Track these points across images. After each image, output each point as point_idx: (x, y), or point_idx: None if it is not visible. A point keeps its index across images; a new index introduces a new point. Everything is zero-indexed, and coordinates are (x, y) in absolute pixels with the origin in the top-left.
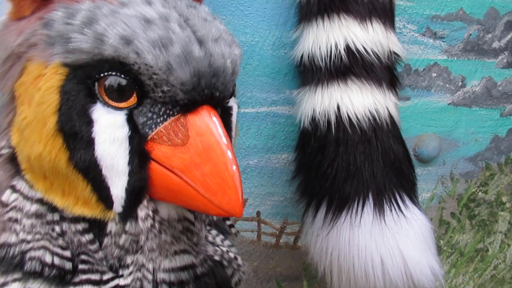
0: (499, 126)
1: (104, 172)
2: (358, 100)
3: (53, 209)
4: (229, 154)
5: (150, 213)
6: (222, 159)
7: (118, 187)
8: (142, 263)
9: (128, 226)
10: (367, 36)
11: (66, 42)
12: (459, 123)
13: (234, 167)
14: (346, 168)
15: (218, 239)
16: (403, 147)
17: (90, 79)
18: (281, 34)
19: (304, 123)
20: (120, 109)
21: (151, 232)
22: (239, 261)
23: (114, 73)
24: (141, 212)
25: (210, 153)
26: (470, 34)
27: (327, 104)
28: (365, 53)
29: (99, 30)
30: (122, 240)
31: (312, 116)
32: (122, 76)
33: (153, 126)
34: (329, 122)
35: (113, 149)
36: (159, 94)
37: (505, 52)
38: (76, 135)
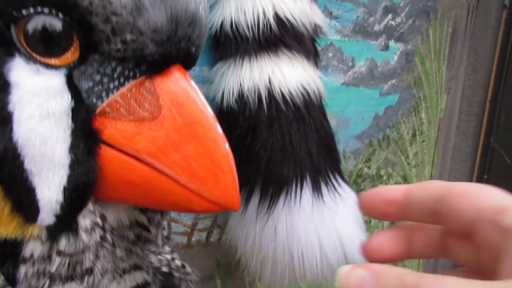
0: (378, 104)
1: (28, 165)
2: (290, 74)
3: None
4: (219, 128)
5: (98, 220)
6: (211, 135)
7: (51, 187)
8: None
9: (63, 244)
10: (295, 5)
11: None
12: (350, 102)
13: (227, 145)
14: (281, 148)
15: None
16: (328, 123)
17: (2, 18)
18: None
19: (229, 102)
20: (55, 67)
21: (102, 247)
22: (188, 269)
23: (43, 11)
24: (85, 220)
25: (194, 127)
26: (358, 16)
27: (258, 78)
28: (295, 22)
29: None
30: (54, 266)
31: (240, 93)
32: (57, 15)
33: (104, 94)
34: (260, 99)
35: (45, 128)
36: (118, 46)
37: (383, 35)
38: None
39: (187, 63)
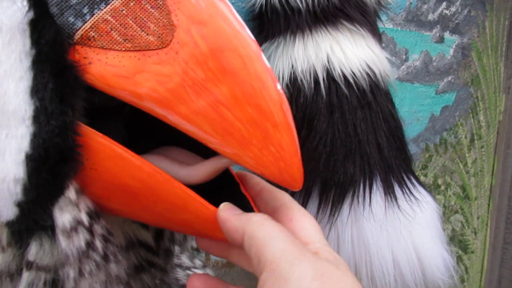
0: (434, 104)
1: None
2: (352, 51)
3: None
4: (264, 58)
5: (84, 217)
6: (254, 68)
7: (5, 156)
8: None
9: (33, 252)
10: None
11: None
12: (404, 100)
13: (278, 86)
14: (345, 142)
15: (185, 259)
16: (397, 112)
17: None
18: None
19: None
20: None
21: (88, 259)
22: None
23: None
24: (63, 215)
25: (227, 57)
26: (411, 3)
27: (313, 57)
28: None
29: None
30: (22, 285)
31: (292, 76)
32: None
33: (85, 9)
34: (316, 82)
35: None
36: None
37: (437, 26)
38: None
39: None
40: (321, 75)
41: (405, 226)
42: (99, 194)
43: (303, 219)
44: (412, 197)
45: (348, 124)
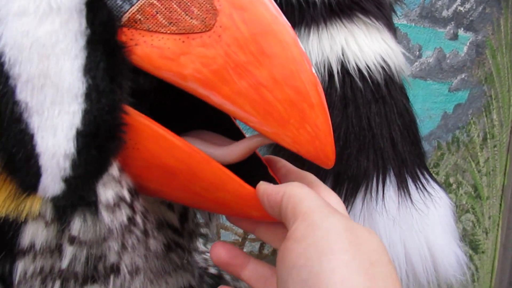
0: (447, 101)
1: (22, 93)
2: (367, 44)
3: None
4: (299, 42)
5: (126, 194)
6: (292, 52)
7: (57, 131)
8: None
9: (77, 227)
10: None
11: None
12: (417, 97)
13: (313, 69)
14: (358, 136)
15: (200, 244)
16: (411, 106)
17: None
18: None
19: None
20: None
21: (130, 234)
22: None
23: None
24: (106, 191)
25: (267, 41)
26: None
27: (328, 50)
28: None
29: None
30: (66, 260)
31: None
32: None
33: None
34: (331, 75)
35: (46, 33)
36: None
37: (452, 22)
38: None
39: None
40: (335, 68)
41: (418, 222)
42: (138, 174)
43: (329, 196)
44: (425, 193)
45: (362, 118)
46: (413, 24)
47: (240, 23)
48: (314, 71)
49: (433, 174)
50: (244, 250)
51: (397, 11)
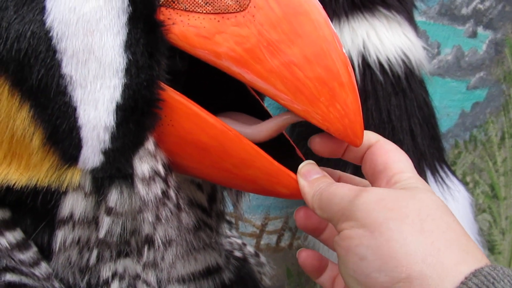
0: (465, 100)
1: (67, 67)
2: (388, 38)
3: None
4: (331, 23)
5: (160, 168)
6: (323, 32)
7: (98, 104)
8: (137, 273)
9: (114, 198)
10: None
11: None
12: (434, 95)
13: (344, 49)
14: (378, 128)
15: (224, 228)
16: (431, 100)
17: None
18: None
19: None
20: None
21: (164, 206)
22: (262, 258)
23: None
24: (142, 165)
25: (299, 20)
26: None
27: (349, 43)
28: None
29: None
30: (103, 230)
31: None
32: None
33: None
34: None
35: (91, 8)
36: None
37: (471, 20)
38: None
39: None
40: (356, 61)
41: None
42: (172, 150)
43: (398, 152)
44: (444, 186)
45: (382, 111)
46: (432, 22)
47: (273, 3)
48: (345, 51)
49: None
50: (262, 242)
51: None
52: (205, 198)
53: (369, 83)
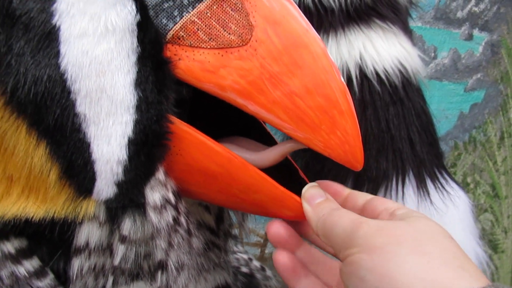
0: (463, 101)
1: (81, 106)
2: (385, 49)
3: None
4: (329, 53)
5: (171, 196)
6: (322, 62)
7: (111, 140)
8: None
9: (127, 227)
10: None
11: None
12: (432, 98)
13: (342, 78)
14: (377, 137)
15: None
16: (428, 107)
17: None
18: None
19: None
20: None
21: (175, 233)
22: (268, 272)
23: None
24: (154, 194)
25: (299, 53)
26: (440, 1)
27: (346, 55)
28: None
29: None
30: (117, 258)
31: None
32: None
33: (176, 12)
34: (349, 79)
35: (103, 51)
36: None
37: (466, 23)
38: (13, 20)
39: None
40: (353, 73)
41: (438, 221)
42: (181, 177)
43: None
44: (444, 192)
45: (381, 120)
46: (428, 26)
47: (274, 37)
48: (343, 80)
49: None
50: (266, 251)
51: (412, 14)
52: (212, 219)
53: (367, 94)
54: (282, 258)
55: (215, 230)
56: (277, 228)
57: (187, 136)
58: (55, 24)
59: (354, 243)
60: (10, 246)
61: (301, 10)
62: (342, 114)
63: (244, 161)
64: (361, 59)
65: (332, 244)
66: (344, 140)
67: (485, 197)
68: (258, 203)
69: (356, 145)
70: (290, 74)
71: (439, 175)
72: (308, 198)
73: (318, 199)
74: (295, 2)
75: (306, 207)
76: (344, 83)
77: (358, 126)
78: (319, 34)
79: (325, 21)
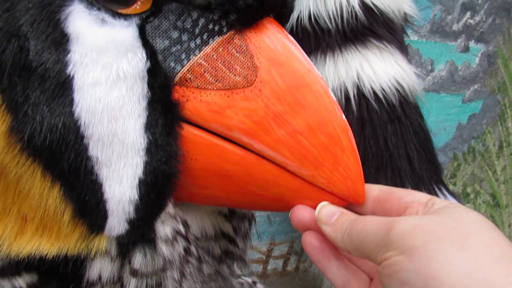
0: (461, 113)
1: (94, 150)
2: (381, 68)
3: None
4: (331, 92)
5: (181, 227)
6: (324, 102)
7: (122, 181)
8: None
9: (138, 261)
10: None
11: None
12: (430, 111)
13: (343, 116)
14: (376, 155)
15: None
16: (426, 124)
17: None
18: None
19: None
20: (124, 17)
21: (187, 263)
22: None
23: None
24: (165, 228)
25: (302, 93)
26: (435, 14)
27: (344, 75)
28: (384, 8)
29: None
30: None
31: None
32: None
33: (183, 56)
34: (347, 99)
35: (115, 98)
36: None
37: (462, 35)
38: (29, 72)
39: (281, 17)
40: (351, 92)
41: None
42: (198, 183)
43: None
44: None
45: (379, 138)
46: (424, 40)
47: (278, 78)
48: (344, 117)
49: (450, 185)
50: (268, 268)
51: (408, 28)
52: (231, 228)
53: (365, 112)
54: (309, 238)
55: (233, 237)
56: (301, 214)
57: (199, 140)
58: (69, 74)
59: (390, 246)
60: (21, 282)
61: (298, 31)
62: (344, 151)
63: (258, 156)
64: (358, 79)
65: (366, 253)
66: (347, 176)
67: (486, 206)
68: (277, 197)
69: (358, 181)
70: (294, 114)
71: (437, 191)
72: (324, 219)
73: (334, 217)
74: (293, 24)
75: (325, 228)
76: (346, 121)
77: (360, 162)
78: (317, 55)
79: (322, 42)
